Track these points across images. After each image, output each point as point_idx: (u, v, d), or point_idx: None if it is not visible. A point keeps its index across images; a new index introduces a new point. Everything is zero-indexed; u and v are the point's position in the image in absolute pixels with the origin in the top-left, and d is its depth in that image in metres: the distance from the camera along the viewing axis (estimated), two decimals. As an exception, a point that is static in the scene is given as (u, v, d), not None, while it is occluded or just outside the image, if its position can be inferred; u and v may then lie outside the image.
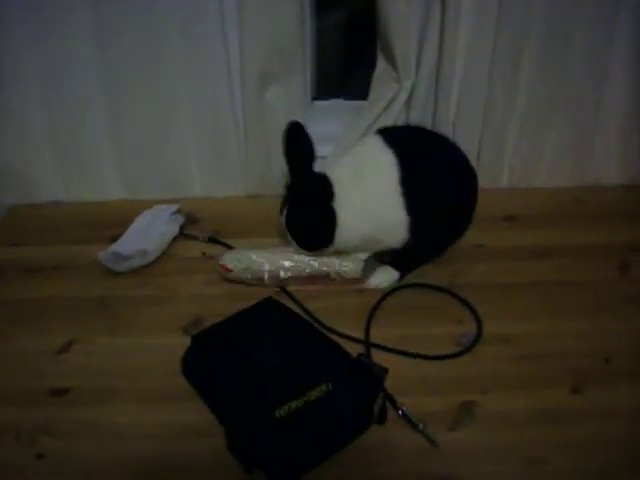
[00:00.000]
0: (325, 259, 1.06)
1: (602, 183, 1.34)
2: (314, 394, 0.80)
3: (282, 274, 1.05)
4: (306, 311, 1.02)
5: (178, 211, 1.20)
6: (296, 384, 0.81)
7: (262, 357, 0.85)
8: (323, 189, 1.00)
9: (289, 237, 1.04)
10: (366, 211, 1.00)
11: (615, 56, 1.21)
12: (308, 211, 1.01)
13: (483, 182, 1.29)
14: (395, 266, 1.09)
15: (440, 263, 1.12)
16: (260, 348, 0.86)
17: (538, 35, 1.16)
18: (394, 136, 1.03)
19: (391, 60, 1.19)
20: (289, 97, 1.19)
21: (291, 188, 1.02)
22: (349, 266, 1.05)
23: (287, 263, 1.05)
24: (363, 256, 1.06)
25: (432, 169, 1.01)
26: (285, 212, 1.02)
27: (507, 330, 1.00)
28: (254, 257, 1.05)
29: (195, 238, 1.18)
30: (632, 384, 0.92)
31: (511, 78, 1.19)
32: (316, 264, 1.05)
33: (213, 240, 1.17)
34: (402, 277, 1.10)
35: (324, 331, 0.97)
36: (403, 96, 1.19)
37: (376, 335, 0.98)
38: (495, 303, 1.03)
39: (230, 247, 1.15)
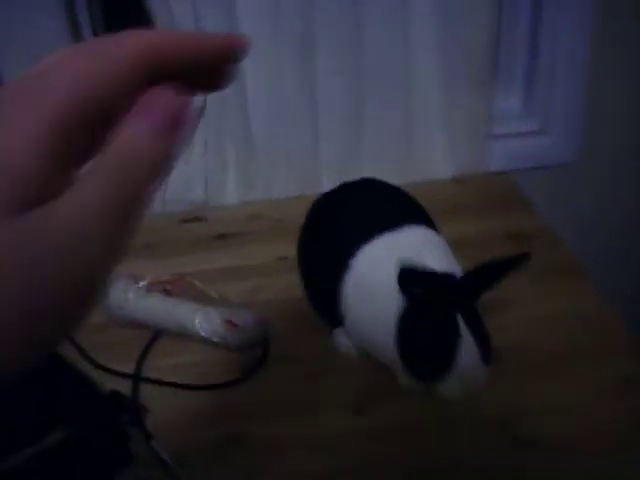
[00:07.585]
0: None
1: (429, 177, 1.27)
2: (50, 439, 0.74)
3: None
4: (78, 347, 0.91)
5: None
6: (29, 429, 0.73)
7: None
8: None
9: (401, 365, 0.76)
10: None
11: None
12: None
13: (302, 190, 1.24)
14: None
15: (242, 280, 1.05)
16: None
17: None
18: None
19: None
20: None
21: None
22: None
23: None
24: None
25: None
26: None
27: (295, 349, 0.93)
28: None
29: None
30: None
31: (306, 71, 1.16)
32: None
33: None
34: None
35: (91, 368, 0.88)
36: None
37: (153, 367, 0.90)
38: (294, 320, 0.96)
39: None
